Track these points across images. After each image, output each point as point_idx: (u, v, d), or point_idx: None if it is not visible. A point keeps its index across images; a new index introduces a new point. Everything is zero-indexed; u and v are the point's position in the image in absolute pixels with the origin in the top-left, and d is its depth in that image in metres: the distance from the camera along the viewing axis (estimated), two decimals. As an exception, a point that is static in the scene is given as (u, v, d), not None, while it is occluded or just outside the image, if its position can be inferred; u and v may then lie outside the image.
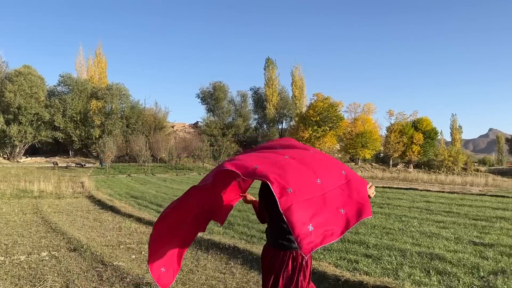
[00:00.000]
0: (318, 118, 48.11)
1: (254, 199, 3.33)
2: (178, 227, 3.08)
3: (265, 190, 2.91)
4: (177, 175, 33.97)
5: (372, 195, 2.74)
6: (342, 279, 4.90)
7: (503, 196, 15.79)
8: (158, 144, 41.99)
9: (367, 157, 52.35)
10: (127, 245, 7.51)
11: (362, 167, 50.91)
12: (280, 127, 59.32)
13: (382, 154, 57.47)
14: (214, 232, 8.26)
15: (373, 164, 54.99)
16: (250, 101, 60.03)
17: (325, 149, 46.76)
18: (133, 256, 6.66)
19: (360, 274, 5.19)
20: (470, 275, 5.16)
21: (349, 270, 5.40)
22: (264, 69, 58.46)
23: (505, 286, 4.66)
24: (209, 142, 45.99)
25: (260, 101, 58.84)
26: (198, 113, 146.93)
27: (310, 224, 2.18)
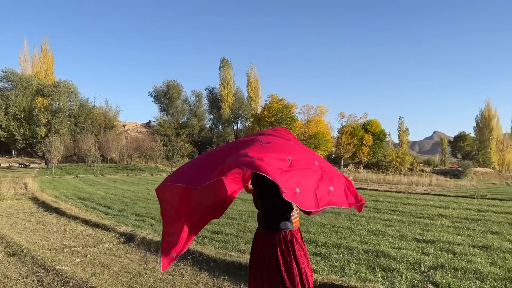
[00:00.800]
0: (272, 119, 48.56)
1: None
2: (186, 215, 3.28)
3: (255, 177, 3.12)
4: (128, 175, 33.08)
5: None
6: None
7: (445, 195, 16.71)
8: (109, 143, 40.63)
9: (319, 158, 53.39)
10: (72, 248, 7.20)
11: (315, 167, 51.75)
12: (235, 127, 59.24)
13: (333, 155, 58.87)
14: (164, 233, 8.09)
15: (325, 164, 56.12)
16: (205, 101, 59.47)
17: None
18: (78, 260, 6.39)
19: (308, 272, 5.26)
20: (412, 270, 5.39)
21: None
22: (220, 69, 58.11)
23: (443, 280, 4.90)
24: (162, 142, 45.06)
25: (215, 101, 58.44)
26: (151, 112, 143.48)
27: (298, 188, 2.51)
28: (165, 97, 54.51)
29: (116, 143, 41.94)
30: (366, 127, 57.96)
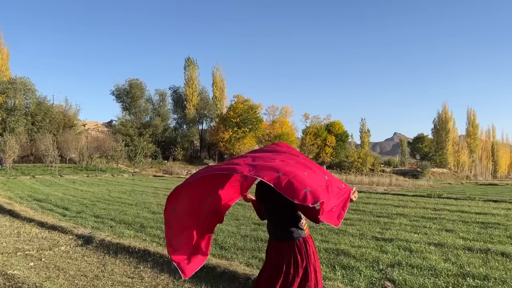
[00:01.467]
0: (238, 119, 48.56)
1: (253, 198, 3.48)
2: (193, 224, 3.26)
3: (261, 190, 3.13)
4: (88, 176, 32.10)
5: (354, 199, 3.03)
6: (252, 278, 4.93)
7: (403, 195, 17.24)
8: (68, 143, 39.31)
9: (284, 159, 53.85)
10: (26, 252, 6.88)
11: (279, 168, 52.22)
12: (200, 127, 58.77)
13: (298, 156, 59.50)
14: (124, 235, 7.89)
15: (289, 165, 56.68)
16: (169, 100, 58.40)
17: (245, 150, 47.30)
18: (31, 264, 6.11)
19: (270, 272, 5.27)
20: (371, 268, 5.51)
21: (259, 269, 5.46)
22: (184, 68, 57.47)
23: (400, 277, 5.03)
24: (124, 142, 44.05)
25: (179, 101, 57.67)
26: (113, 111, 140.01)
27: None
28: (127, 96, 53.15)
29: (76, 143, 40.68)
30: (329, 128, 59.06)
